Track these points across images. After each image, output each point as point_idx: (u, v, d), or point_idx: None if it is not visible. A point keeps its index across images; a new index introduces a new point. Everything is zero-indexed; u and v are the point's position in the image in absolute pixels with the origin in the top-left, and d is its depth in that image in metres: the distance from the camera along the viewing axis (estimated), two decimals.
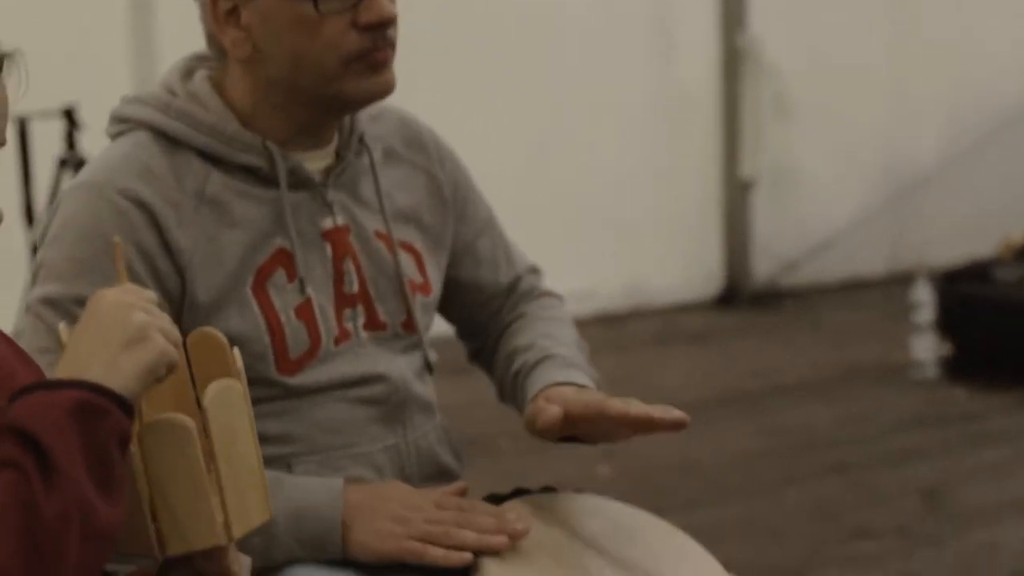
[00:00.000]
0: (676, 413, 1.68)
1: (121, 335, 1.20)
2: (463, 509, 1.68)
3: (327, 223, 1.75)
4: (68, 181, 1.72)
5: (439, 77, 5.28)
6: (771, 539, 3.95)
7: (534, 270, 1.99)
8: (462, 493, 1.74)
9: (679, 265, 6.94)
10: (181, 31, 5.04)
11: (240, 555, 1.32)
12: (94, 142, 4.30)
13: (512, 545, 1.63)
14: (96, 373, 1.18)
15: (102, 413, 1.16)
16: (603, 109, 6.57)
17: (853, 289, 7.36)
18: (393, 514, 1.66)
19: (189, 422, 1.22)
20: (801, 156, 7.19)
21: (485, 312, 1.94)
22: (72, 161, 4.69)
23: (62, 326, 1.25)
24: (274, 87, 1.70)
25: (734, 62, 7.03)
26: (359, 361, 1.75)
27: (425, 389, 1.83)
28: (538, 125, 6.34)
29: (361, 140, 1.79)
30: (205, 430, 1.23)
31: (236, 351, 1.31)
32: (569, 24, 6.45)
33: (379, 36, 1.68)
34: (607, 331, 6.43)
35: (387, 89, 1.71)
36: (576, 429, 1.74)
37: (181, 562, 1.28)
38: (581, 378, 1.80)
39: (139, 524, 1.22)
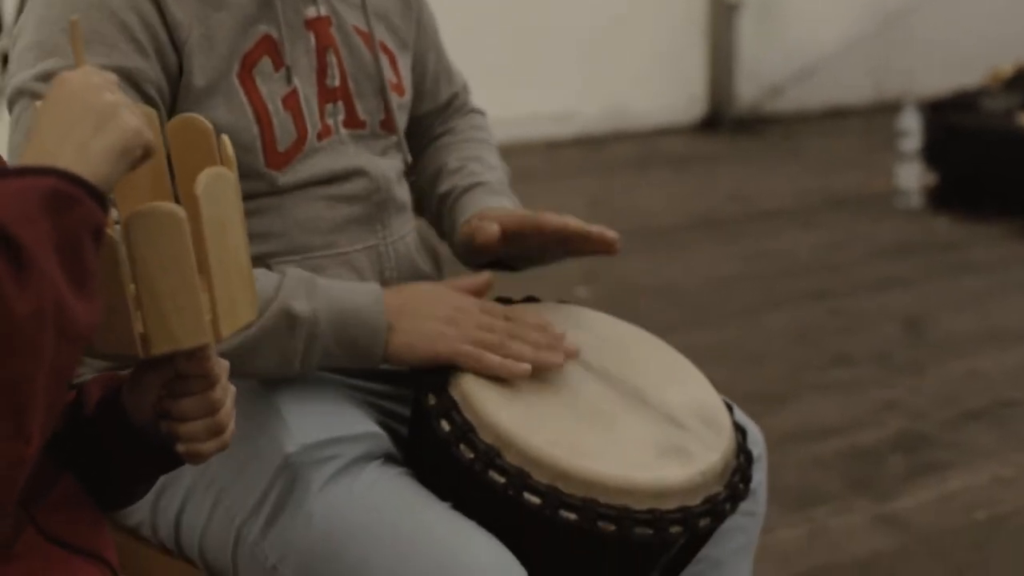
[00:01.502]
0: (610, 233, 1.66)
1: (91, 118, 1.09)
2: (510, 318, 1.61)
3: (311, 11, 1.66)
4: None
5: None
6: (750, 364, 3.91)
7: (466, 88, 1.94)
8: (486, 286, 1.66)
9: (662, 88, 6.83)
10: None
11: (221, 359, 1.23)
12: None
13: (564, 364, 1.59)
14: (66, 160, 1.07)
15: (75, 202, 1.05)
16: None
17: (837, 116, 7.28)
18: (442, 315, 1.58)
19: (180, 211, 1.11)
20: None
21: (419, 126, 1.88)
22: None
23: (39, 104, 1.13)
24: None
25: None
26: (340, 157, 1.66)
27: (403, 192, 1.75)
28: None
29: None
30: (192, 221, 1.13)
31: (225, 138, 1.21)
32: None
33: None
34: (587, 153, 6.34)
35: None
36: (510, 246, 1.70)
37: (161, 362, 1.19)
38: (509, 205, 1.77)
39: (120, 321, 1.12)
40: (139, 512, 1.64)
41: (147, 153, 1.12)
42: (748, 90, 7.05)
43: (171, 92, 1.55)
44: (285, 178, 1.61)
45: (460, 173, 1.82)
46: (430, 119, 1.90)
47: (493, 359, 1.55)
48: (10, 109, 1.57)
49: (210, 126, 1.22)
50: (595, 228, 1.66)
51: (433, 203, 1.84)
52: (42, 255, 1.03)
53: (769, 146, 6.74)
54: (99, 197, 1.07)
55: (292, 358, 1.54)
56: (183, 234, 1.11)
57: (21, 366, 1.02)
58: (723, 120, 6.99)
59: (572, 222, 1.66)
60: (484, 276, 1.68)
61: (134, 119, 1.10)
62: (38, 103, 1.13)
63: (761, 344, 4.09)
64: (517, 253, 1.74)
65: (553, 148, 6.16)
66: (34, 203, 1.04)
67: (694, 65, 6.96)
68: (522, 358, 1.57)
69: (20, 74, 1.55)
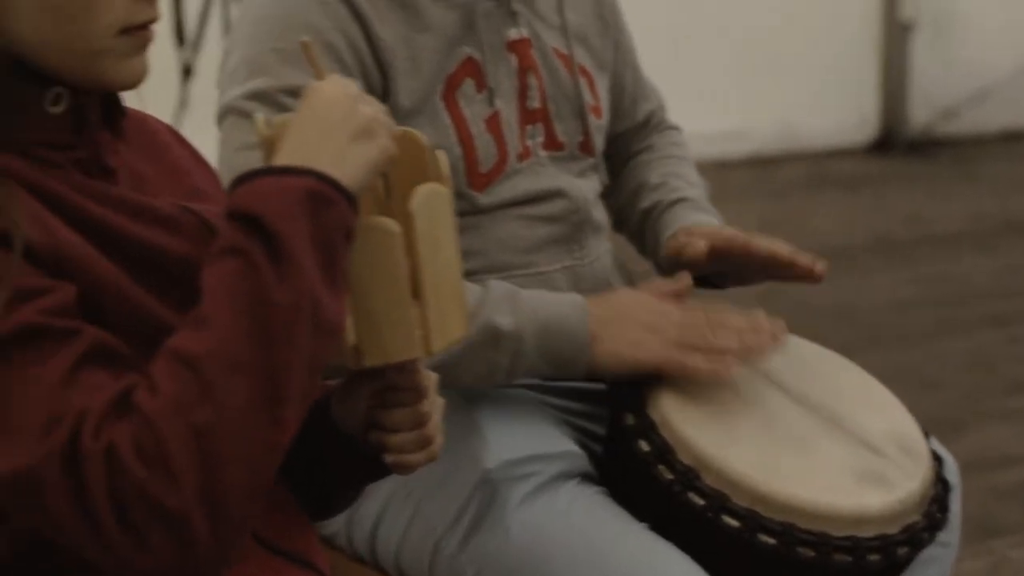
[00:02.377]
0: (819, 265, 1.66)
1: (349, 127, 1.12)
2: (709, 311, 1.61)
3: (512, 33, 1.67)
4: None
5: None
6: (927, 390, 3.85)
7: (662, 106, 1.94)
8: (687, 289, 1.66)
9: (834, 109, 6.76)
10: None
11: (430, 372, 1.25)
12: None
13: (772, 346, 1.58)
14: (323, 163, 1.10)
15: (331, 203, 1.08)
16: None
17: (1014, 139, 7.13)
18: (643, 321, 1.58)
19: (396, 227, 1.13)
20: None
21: (616, 144, 1.88)
22: None
23: (260, 117, 1.16)
24: None
25: None
26: (539, 178, 1.68)
27: (600, 213, 1.76)
28: None
29: None
30: (407, 237, 1.15)
31: (442, 154, 1.22)
32: None
33: None
34: (759, 173, 6.30)
35: None
36: (715, 265, 1.69)
37: (372, 373, 1.22)
38: (713, 222, 1.76)
39: None
40: (335, 522, 1.66)
41: (386, 171, 1.14)
42: (921, 111, 6.95)
43: None
44: (486, 198, 1.62)
45: (663, 188, 1.82)
46: (628, 137, 1.90)
47: (698, 364, 1.55)
48: (219, 125, 1.61)
49: (427, 141, 1.24)
50: (804, 259, 1.65)
51: (634, 219, 1.84)
52: (300, 250, 1.06)
53: (943, 169, 6.62)
54: (352, 201, 1.10)
55: (496, 372, 1.55)
56: (397, 249, 1.13)
57: (279, 356, 1.05)
58: (895, 142, 6.89)
59: (781, 249, 1.65)
60: (684, 279, 1.66)
61: (387, 136, 1.14)
62: (258, 115, 1.17)
63: (937, 370, 4.02)
64: (720, 271, 1.73)
65: (723, 168, 6.13)
66: (294, 201, 1.07)
67: (866, 85, 6.87)
68: (728, 348, 1.56)
69: (229, 91, 1.59)
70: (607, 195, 1.84)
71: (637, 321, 1.58)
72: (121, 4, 1.12)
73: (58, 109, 1.14)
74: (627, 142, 1.90)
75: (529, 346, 1.56)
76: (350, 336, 1.15)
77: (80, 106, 1.16)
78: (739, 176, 6.20)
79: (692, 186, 1.83)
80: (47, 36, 1.11)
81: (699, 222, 1.75)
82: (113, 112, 1.21)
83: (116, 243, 1.13)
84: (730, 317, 1.60)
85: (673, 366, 1.55)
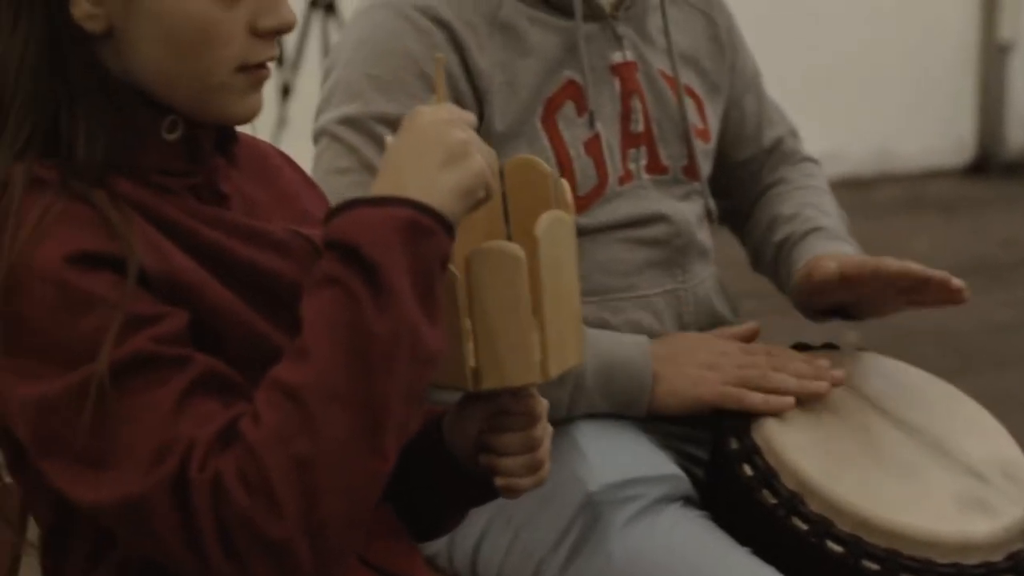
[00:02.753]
0: (955, 280, 1.63)
1: (440, 153, 1.13)
2: (771, 353, 1.61)
3: (616, 57, 1.68)
4: (361, 3, 1.65)
5: None
6: None
7: (794, 133, 1.91)
8: (754, 334, 1.66)
9: (930, 130, 6.69)
10: None
11: (542, 398, 1.25)
12: None
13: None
14: (414, 191, 1.11)
15: (429, 233, 1.10)
16: None
17: None
18: (703, 360, 1.60)
19: (520, 252, 1.14)
20: None
21: (743, 172, 1.86)
22: (322, 2, 4.68)
23: (389, 139, 1.17)
24: None
25: None
26: (642, 202, 1.68)
27: (704, 236, 1.75)
28: None
29: None
30: (530, 262, 1.15)
31: (564, 182, 1.23)
32: None
33: None
34: (854, 195, 6.25)
35: None
36: (848, 292, 1.67)
37: (487, 396, 1.22)
38: (850, 252, 1.74)
39: (453, 354, 1.15)
40: (436, 542, 1.67)
41: (488, 195, 1.15)
42: (1019, 133, 6.87)
43: None
44: (585, 221, 1.62)
45: (796, 220, 1.79)
46: (755, 165, 1.87)
47: (755, 398, 1.56)
48: (315, 145, 1.63)
49: (549, 169, 1.25)
50: (937, 273, 1.62)
51: (769, 253, 1.82)
52: (398, 280, 1.08)
53: None
54: (449, 229, 1.11)
55: (557, 407, 1.54)
56: (522, 274, 1.14)
57: (377, 386, 1.06)
58: (992, 163, 6.81)
59: (913, 266, 1.63)
60: (750, 325, 1.68)
61: (480, 160, 1.14)
62: (388, 139, 1.18)
63: None
64: (855, 300, 1.70)
65: None
66: (392, 231, 1.09)
67: (963, 107, 6.81)
68: (786, 390, 1.56)
69: (324, 114, 1.61)
70: (743, 233, 1.83)
71: (697, 359, 1.60)
72: (240, 42, 1.15)
73: (174, 136, 1.17)
74: (756, 172, 1.87)
75: (590, 384, 1.57)
76: (469, 359, 1.17)
77: (194, 133, 1.18)
78: (835, 197, 6.17)
79: (827, 215, 1.80)
80: (168, 69, 1.14)
81: (833, 251, 1.71)
82: (226, 138, 1.23)
83: (230, 267, 1.15)
84: (792, 360, 1.60)
85: (730, 402, 1.56)
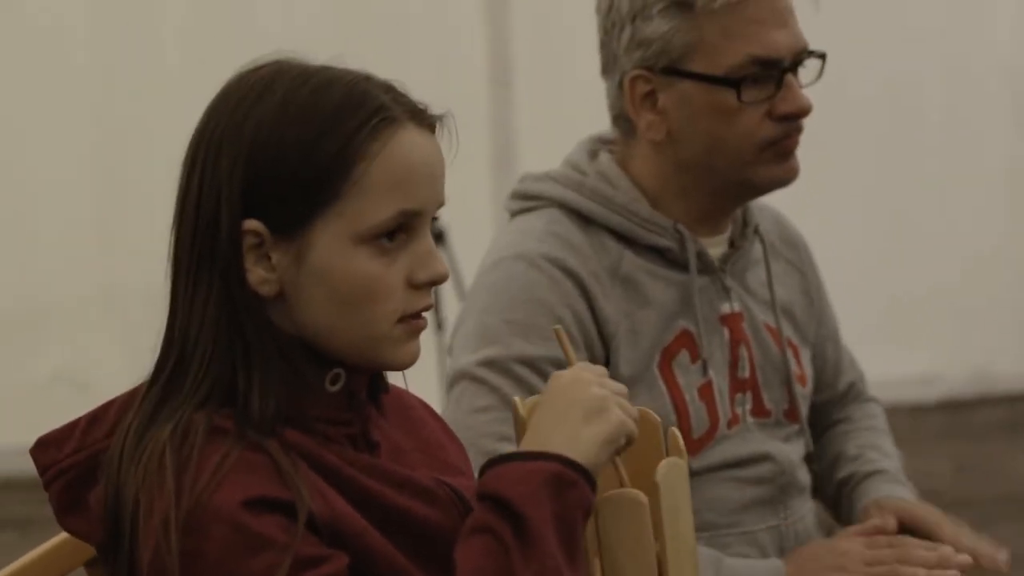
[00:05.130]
0: (1001, 556, 1.74)
1: (580, 409, 1.24)
2: (894, 544, 1.69)
3: (725, 308, 1.80)
4: (489, 255, 1.77)
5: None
6: None
7: (863, 378, 2.03)
8: (879, 531, 1.75)
9: None
10: (538, 106, 5.13)
11: None
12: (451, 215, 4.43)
13: None
14: (558, 445, 1.22)
15: (572, 485, 1.21)
16: (955, 185, 6.44)
17: None
18: (829, 564, 1.68)
19: (644, 498, 1.26)
20: None
21: (816, 411, 1.96)
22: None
23: (517, 399, 1.29)
24: (684, 170, 1.75)
25: None
26: (747, 443, 1.79)
27: (804, 474, 1.84)
28: (884, 202, 6.26)
29: (756, 231, 1.83)
30: (652, 508, 1.26)
31: (676, 431, 1.34)
32: (926, 100, 6.34)
33: (792, 125, 1.71)
34: (953, 417, 6.25)
35: (794, 175, 1.75)
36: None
37: None
38: (908, 496, 1.85)
39: None
40: None
41: (630, 441, 1.26)
42: None
43: None
44: (697, 463, 1.73)
45: (859, 460, 1.91)
46: (829, 407, 1.99)
47: None
48: (450, 388, 1.74)
49: (659, 419, 1.36)
50: (986, 551, 1.73)
51: (832, 488, 1.93)
52: (544, 529, 1.19)
53: None
54: (591, 481, 1.22)
55: None
56: (646, 519, 1.26)
57: None
58: None
59: (964, 540, 1.73)
60: (875, 522, 1.76)
61: (619, 412, 1.26)
62: (517, 398, 1.29)
63: None
64: None
65: (917, 411, 6.11)
66: (539, 484, 1.20)
67: None
68: None
69: (462, 358, 1.73)
70: (809, 461, 1.92)
71: (823, 564, 1.68)
72: (400, 294, 1.27)
73: (336, 388, 1.28)
74: (827, 411, 1.99)
75: None
76: None
77: (353, 384, 1.30)
78: (933, 420, 6.17)
79: (888, 457, 1.92)
80: (334, 323, 1.26)
81: (892, 495, 1.83)
82: (376, 388, 1.34)
83: (385, 514, 1.26)
84: (916, 549, 1.68)
85: None
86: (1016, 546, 4.66)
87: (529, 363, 1.67)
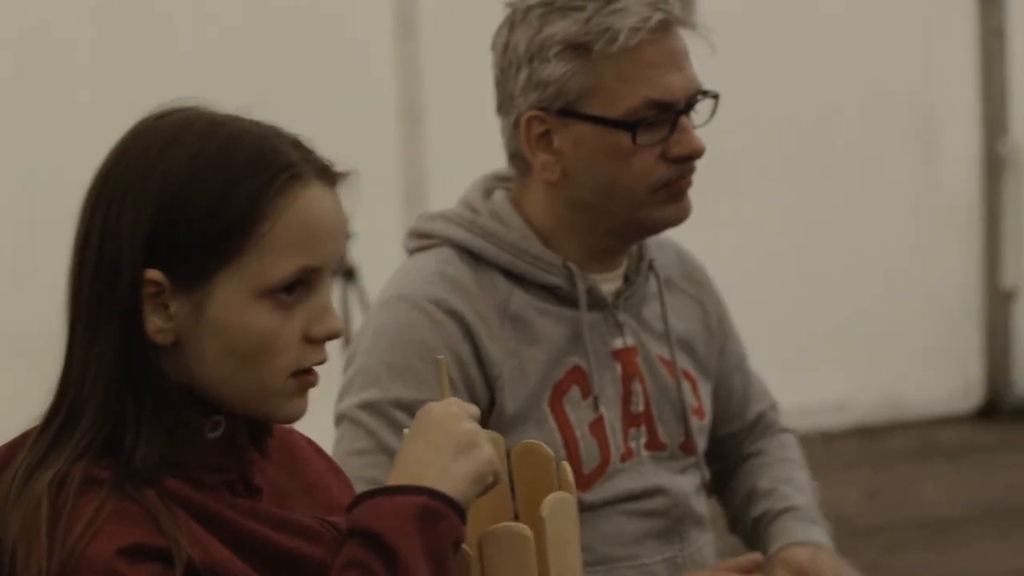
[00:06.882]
0: None
1: (451, 444, 1.27)
2: None
3: (618, 343, 1.82)
4: (381, 294, 1.79)
5: (710, 198, 5.33)
6: None
7: (775, 406, 2.05)
8: (755, 564, 1.79)
9: (938, 377, 6.80)
10: (449, 143, 5.17)
11: None
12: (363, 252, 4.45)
13: None
14: (429, 479, 1.25)
15: (442, 517, 1.23)
16: (864, 217, 6.53)
17: None
18: None
19: (529, 532, 1.28)
20: None
21: (728, 443, 1.99)
22: (341, 269, 4.83)
23: (408, 432, 1.31)
24: (578, 210, 1.77)
25: (996, 169, 6.92)
26: (641, 477, 1.81)
27: (701, 506, 1.87)
28: (796, 235, 6.34)
29: (651, 266, 1.85)
30: (537, 541, 1.29)
31: (566, 465, 1.37)
32: (837, 132, 6.43)
33: (686, 166, 1.74)
34: (864, 444, 6.33)
35: (685, 215, 1.78)
36: None
37: None
38: (820, 535, 1.88)
39: None
40: None
41: (496, 480, 1.29)
42: None
43: (482, 421, 1.71)
44: (589, 497, 1.75)
45: (772, 496, 1.92)
46: (739, 438, 2.00)
47: None
48: (336, 427, 1.76)
49: (551, 453, 1.38)
50: None
51: (747, 525, 1.94)
52: (414, 562, 1.21)
53: None
54: (461, 513, 1.24)
55: None
56: (530, 552, 1.28)
57: None
58: (1002, 409, 6.90)
59: None
60: (752, 556, 1.81)
61: (489, 449, 1.29)
62: (406, 430, 1.31)
63: None
64: None
65: (828, 439, 6.18)
66: (408, 518, 1.23)
67: (971, 353, 6.92)
68: None
69: (345, 399, 1.75)
70: (723, 498, 1.96)
71: None
72: (295, 349, 1.28)
73: (215, 435, 1.29)
74: (739, 443, 2.00)
75: None
76: None
77: (232, 430, 1.30)
78: (844, 447, 6.25)
79: (801, 492, 1.93)
80: (227, 375, 1.27)
81: (803, 536, 1.85)
82: (260, 432, 1.35)
83: (265, 554, 1.27)
84: None
85: None
86: (926, 572, 4.75)
87: (406, 407, 1.68)
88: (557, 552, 1.30)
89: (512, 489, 1.40)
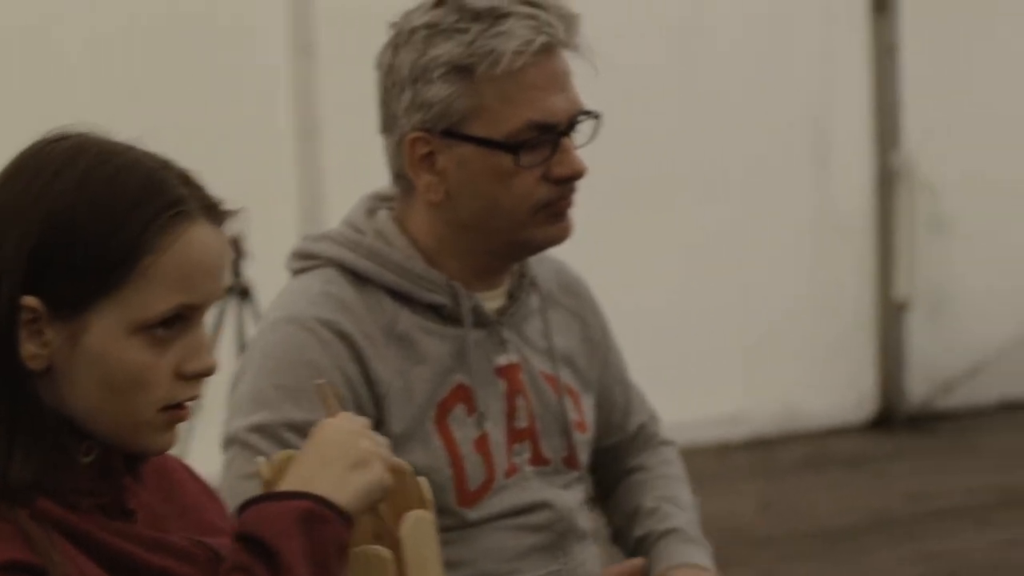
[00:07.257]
0: None
1: (347, 458, 1.30)
2: None
3: (501, 360, 1.84)
4: (267, 316, 1.80)
5: (597, 212, 5.37)
6: None
7: (655, 418, 2.07)
8: (636, 570, 1.83)
9: (832, 388, 6.90)
10: (346, 161, 5.16)
11: None
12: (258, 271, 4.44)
13: None
14: (322, 489, 1.28)
15: (324, 521, 1.26)
16: (757, 231, 6.61)
17: (1012, 411, 7.25)
18: None
19: (387, 553, 1.32)
20: (957, 275, 7.13)
21: (609, 455, 2.02)
22: (237, 288, 4.81)
23: (262, 460, 1.34)
24: (461, 229, 1.79)
25: (888, 182, 7.03)
26: (525, 492, 1.83)
27: (585, 520, 1.90)
28: (692, 248, 6.40)
29: (532, 283, 1.88)
30: (398, 558, 1.32)
31: (424, 481, 1.39)
32: (732, 151, 6.51)
33: (567, 187, 1.77)
34: (759, 455, 6.41)
35: (567, 234, 1.81)
36: None
37: None
38: (701, 557, 1.91)
39: None
40: None
41: (383, 498, 1.32)
42: (919, 387, 7.08)
43: None
44: (474, 514, 1.78)
45: (655, 516, 1.95)
46: (620, 450, 2.02)
47: None
48: (224, 450, 1.77)
49: (412, 470, 1.40)
50: None
51: (630, 544, 1.97)
52: (296, 564, 1.24)
53: (942, 444, 6.72)
54: (346, 519, 1.27)
55: None
56: (389, 572, 1.31)
57: None
58: (895, 418, 7.01)
59: None
60: (634, 562, 1.86)
61: (381, 468, 1.32)
62: (261, 459, 1.33)
63: None
64: None
65: (724, 451, 6.25)
66: (290, 521, 1.26)
67: (864, 364, 7.02)
68: None
69: (235, 422, 1.75)
70: (605, 510, 1.99)
71: None
72: (167, 384, 1.30)
73: (88, 459, 1.30)
74: (620, 456, 2.03)
75: None
76: None
77: (106, 455, 1.32)
78: (739, 458, 6.32)
79: (683, 510, 1.96)
80: (98, 405, 1.29)
81: (686, 559, 1.89)
82: (134, 458, 1.36)
83: (136, 575, 1.28)
84: None
85: None
86: None
87: (297, 428, 1.69)
88: (417, 571, 1.34)
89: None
